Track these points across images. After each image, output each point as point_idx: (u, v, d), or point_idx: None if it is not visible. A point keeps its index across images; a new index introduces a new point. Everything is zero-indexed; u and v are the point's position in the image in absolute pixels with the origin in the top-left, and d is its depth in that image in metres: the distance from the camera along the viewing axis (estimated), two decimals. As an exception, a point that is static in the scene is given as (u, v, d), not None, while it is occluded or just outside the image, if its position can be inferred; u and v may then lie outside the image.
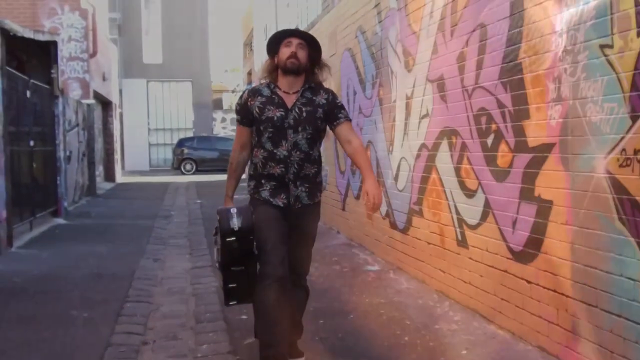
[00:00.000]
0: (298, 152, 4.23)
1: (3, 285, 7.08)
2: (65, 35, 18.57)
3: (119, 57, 30.05)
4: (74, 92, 18.62)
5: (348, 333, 5.21)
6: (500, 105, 4.99)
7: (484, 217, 5.34)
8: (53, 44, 12.72)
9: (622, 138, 3.62)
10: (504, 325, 5.05)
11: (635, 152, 3.51)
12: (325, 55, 4.39)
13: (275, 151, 4.22)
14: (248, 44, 25.51)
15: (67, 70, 18.53)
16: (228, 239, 4.09)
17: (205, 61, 37.81)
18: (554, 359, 4.37)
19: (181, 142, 32.53)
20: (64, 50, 17.77)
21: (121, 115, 32.14)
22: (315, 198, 4.38)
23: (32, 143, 11.54)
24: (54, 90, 13.12)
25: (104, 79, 22.44)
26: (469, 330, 5.19)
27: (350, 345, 4.91)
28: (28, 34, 10.95)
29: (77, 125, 16.84)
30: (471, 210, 5.57)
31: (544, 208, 4.44)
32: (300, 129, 4.22)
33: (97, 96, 21.50)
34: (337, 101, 4.38)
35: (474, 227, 5.53)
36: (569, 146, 4.14)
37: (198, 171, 30.34)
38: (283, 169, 4.23)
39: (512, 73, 4.81)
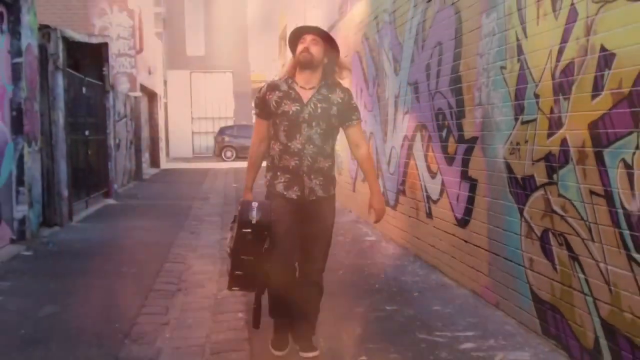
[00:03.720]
0: (311, 146, 4.32)
1: (67, 249, 8.74)
2: (114, 34, 20.25)
3: (163, 49, 31.71)
4: (122, 85, 20.27)
5: (335, 282, 6.66)
6: (450, 106, 6.43)
7: (441, 193, 6.80)
8: (104, 46, 14.31)
9: (511, 134, 5.06)
10: (452, 277, 6.52)
11: (517, 143, 4.95)
12: (341, 55, 4.52)
13: (289, 144, 4.33)
14: (283, 38, 27.01)
15: (116, 65, 20.14)
16: (244, 230, 4.18)
17: (245, 52, 39.21)
18: (479, 298, 5.83)
19: (222, 131, 33.74)
20: (113, 48, 19.23)
21: (166, 105, 33.79)
22: (330, 191, 4.46)
23: (87, 132, 13.10)
24: (105, 85, 14.68)
25: (149, 72, 24.08)
26: (426, 281, 6.67)
27: (334, 290, 6.37)
28: (84, 38, 12.61)
29: (126, 116, 18.40)
30: (434, 189, 7.03)
31: (473, 185, 5.90)
32: (314, 124, 4.32)
33: (143, 89, 23.06)
34: (352, 102, 4.51)
35: (435, 202, 6.99)
36: (485, 139, 5.59)
37: (238, 158, 31.28)
38: (297, 162, 4.33)
39: (456, 82, 6.25)
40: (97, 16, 20.29)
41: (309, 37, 4.33)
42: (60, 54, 10.55)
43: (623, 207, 3.65)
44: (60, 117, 10.59)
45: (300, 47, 4.33)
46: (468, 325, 5.17)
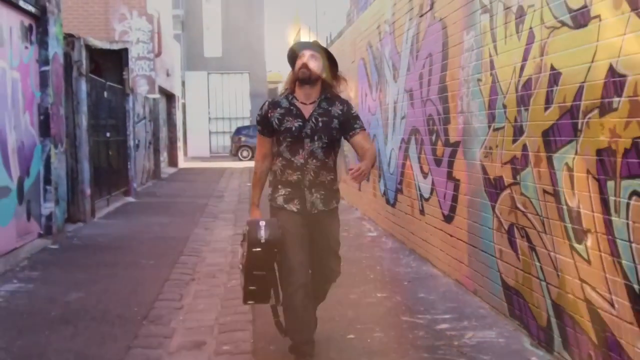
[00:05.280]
0: (314, 160, 4.39)
1: (91, 243, 9.46)
2: (134, 38, 21.02)
3: (182, 51, 32.46)
4: (141, 87, 21.01)
5: (334, 273, 7.33)
6: (438, 113, 7.05)
7: (431, 192, 7.42)
8: (125, 51, 15.02)
9: (485, 139, 5.68)
10: (440, 268, 7.14)
11: (490, 148, 5.57)
12: (347, 61, 4.54)
13: (292, 159, 4.39)
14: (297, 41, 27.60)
15: (136, 68, 20.93)
16: (254, 249, 4.22)
17: (261, 54, 39.86)
18: (462, 286, 6.45)
19: (239, 130, 34.45)
20: (132, 51, 19.96)
21: (184, 105, 34.55)
22: (331, 205, 4.51)
23: (108, 134, 13.82)
24: (125, 89, 15.39)
25: (167, 74, 24.79)
26: (417, 272, 7.30)
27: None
28: (106, 45, 13.34)
29: (145, 117, 19.09)
30: (426, 188, 7.65)
31: (457, 185, 6.52)
32: (316, 138, 4.38)
33: (162, 90, 23.77)
34: (353, 111, 4.51)
35: (427, 200, 7.62)
36: (466, 143, 6.21)
37: (254, 158, 32.01)
38: (299, 176, 4.40)
39: (443, 91, 6.87)
40: (118, 21, 21.06)
41: (307, 53, 4.38)
42: (84, 61, 11.26)
43: (566, 204, 4.26)
44: (83, 120, 11.30)
45: (299, 63, 4.37)
46: (447, 310, 5.80)
